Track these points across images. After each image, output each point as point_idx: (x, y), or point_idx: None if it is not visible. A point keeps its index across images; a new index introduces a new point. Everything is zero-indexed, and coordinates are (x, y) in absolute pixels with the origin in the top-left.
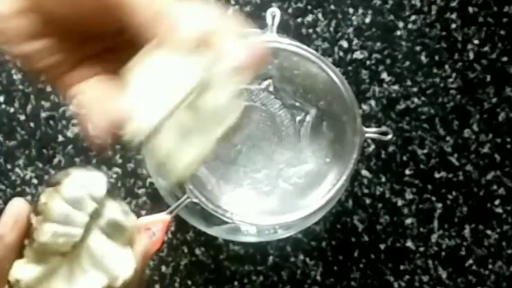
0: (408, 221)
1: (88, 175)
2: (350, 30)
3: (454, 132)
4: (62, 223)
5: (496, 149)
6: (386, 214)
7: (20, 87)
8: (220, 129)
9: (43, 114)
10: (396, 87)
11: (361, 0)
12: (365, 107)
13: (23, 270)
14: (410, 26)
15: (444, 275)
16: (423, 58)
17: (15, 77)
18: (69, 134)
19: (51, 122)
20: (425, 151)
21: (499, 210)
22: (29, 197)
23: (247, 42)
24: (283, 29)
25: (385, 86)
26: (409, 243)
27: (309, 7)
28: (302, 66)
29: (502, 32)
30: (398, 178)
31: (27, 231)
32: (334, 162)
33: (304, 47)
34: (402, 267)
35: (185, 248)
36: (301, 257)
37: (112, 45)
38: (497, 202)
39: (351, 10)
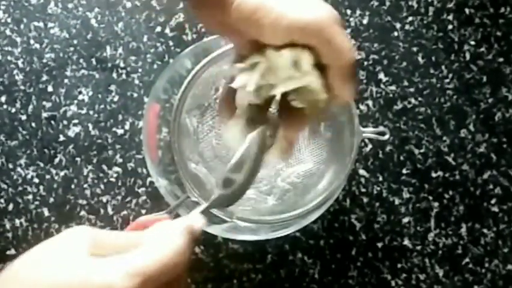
0: (406, 219)
1: None
2: (348, 31)
3: (451, 132)
4: None
5: (492, 148)
6: (383, 213)
7: (22, 87)
8: None
9: (44, 114)
10: (393, 87)
11: (359, 1)
12: (362, 107)
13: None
14: (407, 27)
15: (441, 274)
16: (420, 59)
17: (16, 77)
18: (70, 133)
19: (52, 122)
20: (422, 151)
21: (495, 209)
22: (30, 197)
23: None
24: None
25: (382, 86)
26: (406, 242)
27: None
28: None
29: (498, 33)
30: (395, 177)
31: None
32: (332, 162)
33: None
34: (399, 265)
35: None
36: (299, 255)
37: None
38: (493, 201)
39: (348, 11)
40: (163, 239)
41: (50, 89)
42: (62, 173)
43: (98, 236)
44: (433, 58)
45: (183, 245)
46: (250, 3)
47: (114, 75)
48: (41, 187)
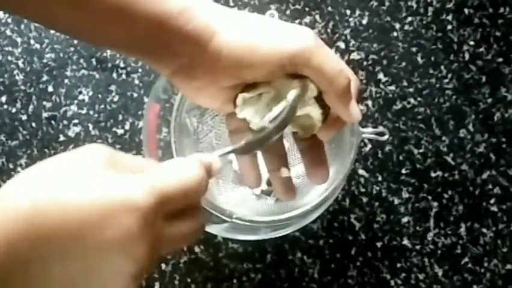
0: (405, 219)
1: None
2: (347, 31)
3: (450, 132)
4: None
5: (491, 148)
6: (383, 213)
7: (22, 87)
8: None
9: (45, 114)
10: (392, 87)
11: (358, 1)
12: (362, 107)
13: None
14: (406, 27)
15: (440, 273)
16: (419, 59)
17: (17, 77)
18: (70, 133)
19: (52, 122)
20: (421, 151)
21: (494, 208)
22: None
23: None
24: None
25: (382, 86)
26: (405, 242)
27: (307, 9)
28: None
29: (497, 33)
30: (394, 177)
31: None
32: (331, 162)
33: None
34: (398, 265)
35: (184, 246)
36: (299, 255)
37: None
38: (492, 201)
39: (348, 12)
40: (181, 166)
41: (50, 89)
42: None
43: (115, 155)
44: (432, 58)
45: (201, 174)
46: (242, 44)
47: (114, 75)
48: None
